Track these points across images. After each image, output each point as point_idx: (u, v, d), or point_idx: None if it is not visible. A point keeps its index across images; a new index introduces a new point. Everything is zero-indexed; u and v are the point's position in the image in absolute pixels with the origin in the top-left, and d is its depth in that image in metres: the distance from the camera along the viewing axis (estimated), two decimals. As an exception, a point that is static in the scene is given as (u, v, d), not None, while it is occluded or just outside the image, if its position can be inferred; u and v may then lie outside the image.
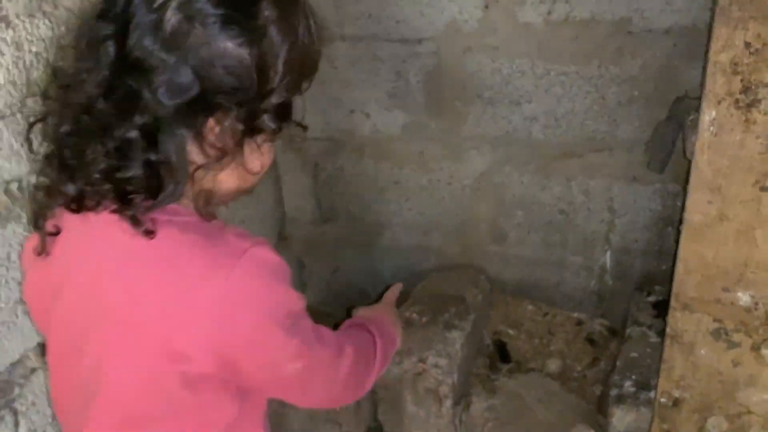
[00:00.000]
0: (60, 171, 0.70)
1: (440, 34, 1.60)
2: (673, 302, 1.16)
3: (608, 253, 1.68)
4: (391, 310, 1.22)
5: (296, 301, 0.76)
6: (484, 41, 1.58)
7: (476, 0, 1.54)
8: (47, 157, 0.73)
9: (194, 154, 0.70)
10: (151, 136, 0.66)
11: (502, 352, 1.66)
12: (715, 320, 1.14)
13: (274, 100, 0.70)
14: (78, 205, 0.70)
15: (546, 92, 1.58)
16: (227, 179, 0.75)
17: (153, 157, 0.66)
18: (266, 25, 0.68)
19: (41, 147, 0.77)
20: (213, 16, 0.65)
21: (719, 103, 1.02)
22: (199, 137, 0.69)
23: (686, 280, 1.14)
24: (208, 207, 0.73)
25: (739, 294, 1.11)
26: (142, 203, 0.67)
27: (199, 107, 0.67)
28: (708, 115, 1.03)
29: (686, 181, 1.08)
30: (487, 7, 1.55)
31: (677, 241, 1.13)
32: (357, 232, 1.89)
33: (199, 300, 0.66)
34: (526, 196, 1.70)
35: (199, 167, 0.70)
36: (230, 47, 0.66)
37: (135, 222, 0.66)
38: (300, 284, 1.99)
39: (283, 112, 0.72)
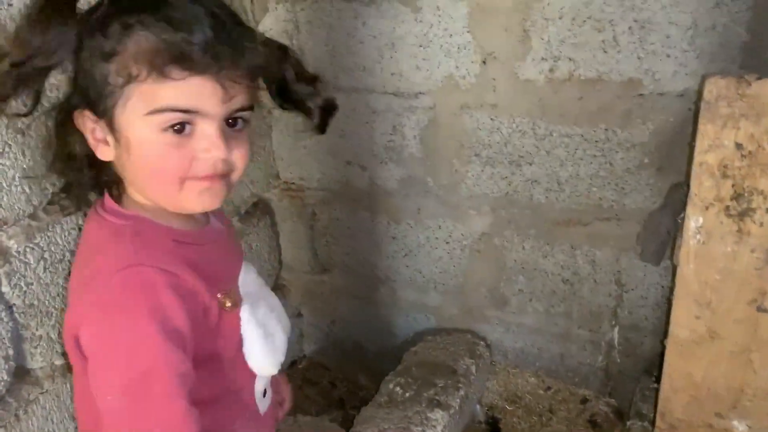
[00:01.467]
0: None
1: (437, 88, 1.49)
2: (658, 421, 1.02)
3: (616, 329, 1.53)
4: None
5: (148, 337, 0.71)
6: (483, 98, 1.46)
7: (473, 55, 1.43)
8: None
9: (98, 151, 0.79)
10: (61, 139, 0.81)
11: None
12: (706, 445, 1.01)
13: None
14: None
15: (548, 154, 1.45)
16: (127, 172, 0.79)
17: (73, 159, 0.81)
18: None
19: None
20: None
21: (707, 208, 0.88)
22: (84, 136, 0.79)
23: (673, 399, 1.00)
24: (128, 199, 0.82)
25: (735, 422, 0.97)
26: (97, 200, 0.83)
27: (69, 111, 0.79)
28: (694, 221, 0.89)
29: (671, 288, 0.95)
30: (485, 62, 1.43)
31: (662, 353, 0.99)
32: (354, 284, 1.80)
33: (88, 294, 0.75)
34: (528, 262, 1.57)
35: (101, 162, 0.79)
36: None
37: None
38: (298, 335, 1.92)
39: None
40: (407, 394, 1.47)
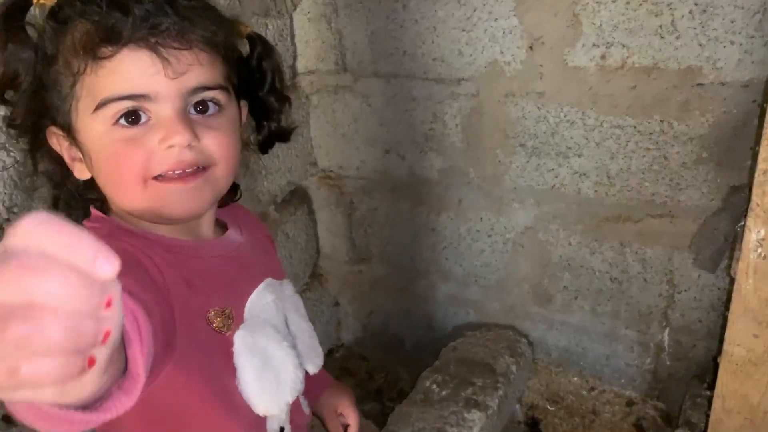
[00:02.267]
0: None
1: (480, 75, 1.42)
2: (708, 442, 0.95)
3: (666, 331, 1.45)
4: None
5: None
6: (529, 85, 1.38)
7: (520, 40, 1.35)
8: None
9: (75, 171, 0.71)
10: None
11: (533, 433, 1.49)
12: (761, 471, 0.93)
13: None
14: None
15: (598, 146, 1.37)
16: (100, 185, 0.71)
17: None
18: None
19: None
20: None
21: (770, 220, 0.80)
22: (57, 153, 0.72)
23: (725, 421, 0.93)
24: (118, 215, 0.73)
25: (793, 448, 0.89)
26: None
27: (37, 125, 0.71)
28: (755, 233, 0.81)
29: (727, 304, 0.88)
30: (531, 48, 1.35)
31: (715, 371, 0.92)
32: (393, 275, 1.76)
33: None
34: (574, 259, 1.50)
35: (85, 183, 0.72)
36: None
37: None
38: (335, 324, 1.89)
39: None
40: (444, 393, 1.43)
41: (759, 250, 0.81)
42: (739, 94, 1.21)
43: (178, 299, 0.65)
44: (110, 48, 0.61)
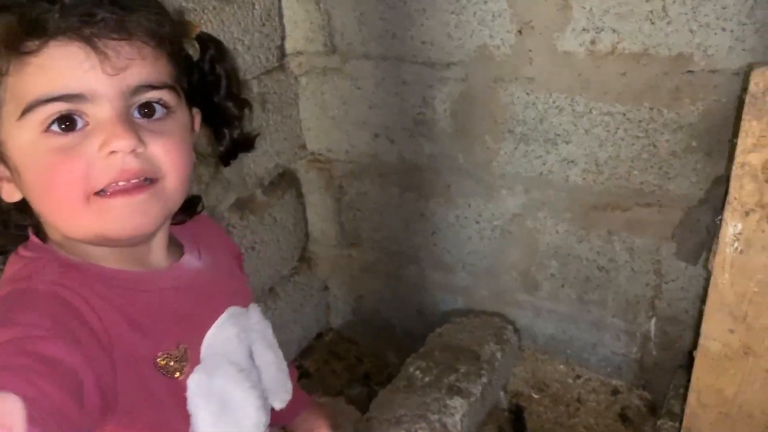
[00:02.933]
0: None
1: (469, 59, 1.40)
2: (683, 436, 0.95)
3: (653, 321, 1.44)
4: None
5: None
6: (518, 71, 1.36)
7: (509, 24, 1.33)
8: None
9: (3, 193, 0.62)
10: None
11: (517, 421, 1.48)
12: (736, 466, 0.92)
13: None
14: None
15: (587, 133, 1.35)
16: (33, 206, 0.62)
17: None
18: None
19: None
20: None
21: (747, 214, 0.78)
22: None
23: (700, 416, 0.92)
24: (58, 242, 0.64)
25: (767, 444, 0.88)
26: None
27: None
28: (732, 227, 0.80)
29: (703, 298, 0.86)
30: (520, 32, 1.32)
31: (690, 365, 0.91)
32: (382, 260, 1.75)
33: None
34: (562, 247, 1.48)
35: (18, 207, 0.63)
36: None
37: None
38: (324, 308, 1.89)
39: None
40: (427, 379, 1.42)
41: (735, 244, 0.79)
42: (730, 82, 1.18)
43: (121, 346, 0.59)
44: (35, 41, 0.54)
